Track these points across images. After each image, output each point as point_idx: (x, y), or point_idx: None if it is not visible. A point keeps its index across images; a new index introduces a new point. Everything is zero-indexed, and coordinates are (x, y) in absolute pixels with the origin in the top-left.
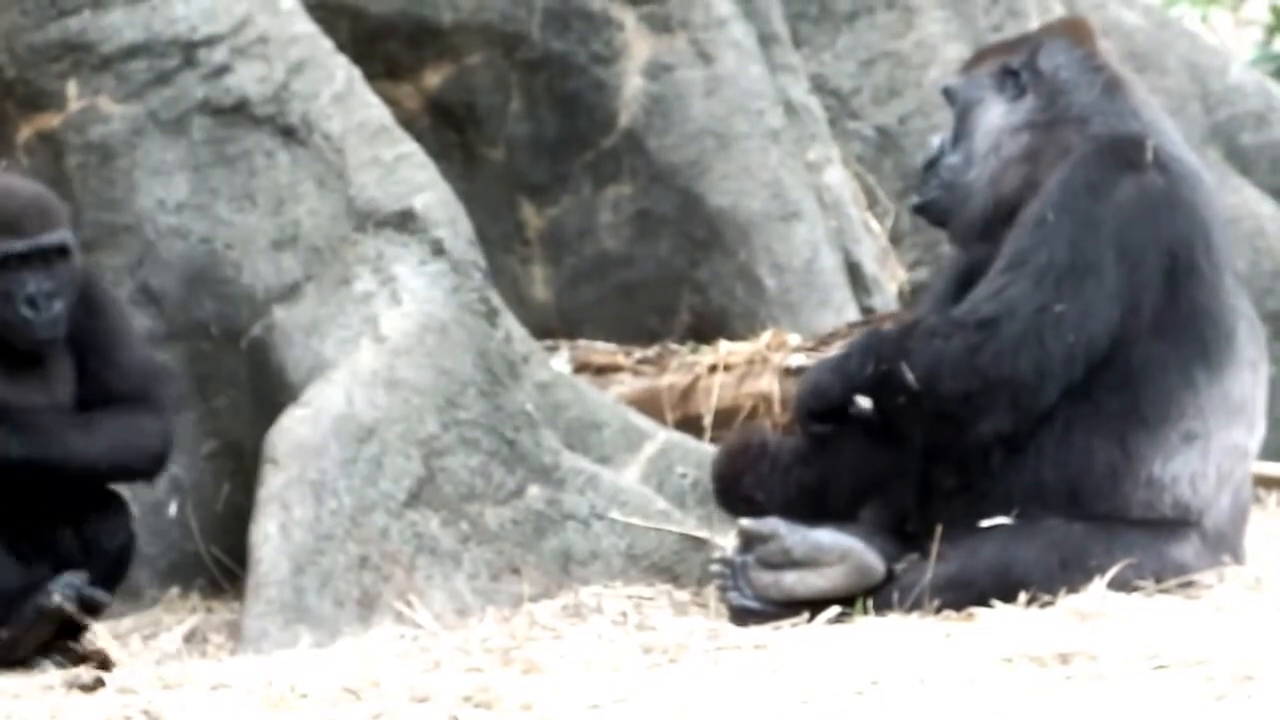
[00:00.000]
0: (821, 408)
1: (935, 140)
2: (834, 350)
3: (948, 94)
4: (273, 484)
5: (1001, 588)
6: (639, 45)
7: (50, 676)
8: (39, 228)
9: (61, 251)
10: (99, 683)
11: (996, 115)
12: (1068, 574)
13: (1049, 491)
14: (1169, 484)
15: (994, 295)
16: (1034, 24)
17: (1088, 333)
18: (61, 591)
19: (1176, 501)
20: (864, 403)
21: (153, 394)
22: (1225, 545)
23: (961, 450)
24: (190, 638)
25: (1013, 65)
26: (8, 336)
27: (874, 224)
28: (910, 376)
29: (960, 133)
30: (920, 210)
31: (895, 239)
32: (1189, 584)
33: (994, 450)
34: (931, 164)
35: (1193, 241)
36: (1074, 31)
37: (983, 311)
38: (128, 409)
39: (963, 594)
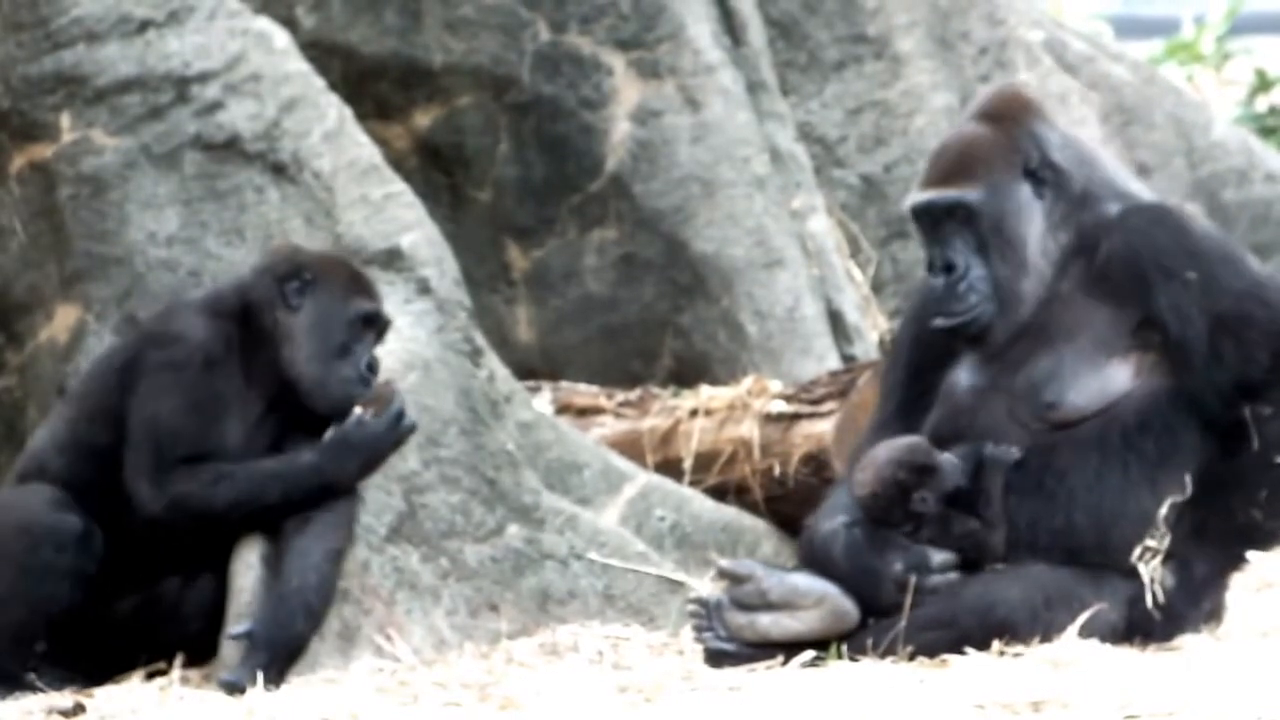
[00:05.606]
0: None
1: (957, 259)
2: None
3: (963, 207)
4: None
5: (984, 627)
6: (628, 91)
7: (30, 702)
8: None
9: None
10: (79, 709)
11: (1037, 222)
12: (1052, 614)
13: (1079, 535)
14: None
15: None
16: (1022, 75)
17: None
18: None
19: None
20: None
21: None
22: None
23: None
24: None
25: (1031, 166)
26: (317, 392)
27: (856, 272)
28: None
29: (994, 244)
30: (959, 329)
31: (877, 287)
32: None
33: None
34: (958, 281)
35: None
36: (1035, 109)
37: None
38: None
39: (944, 633)
